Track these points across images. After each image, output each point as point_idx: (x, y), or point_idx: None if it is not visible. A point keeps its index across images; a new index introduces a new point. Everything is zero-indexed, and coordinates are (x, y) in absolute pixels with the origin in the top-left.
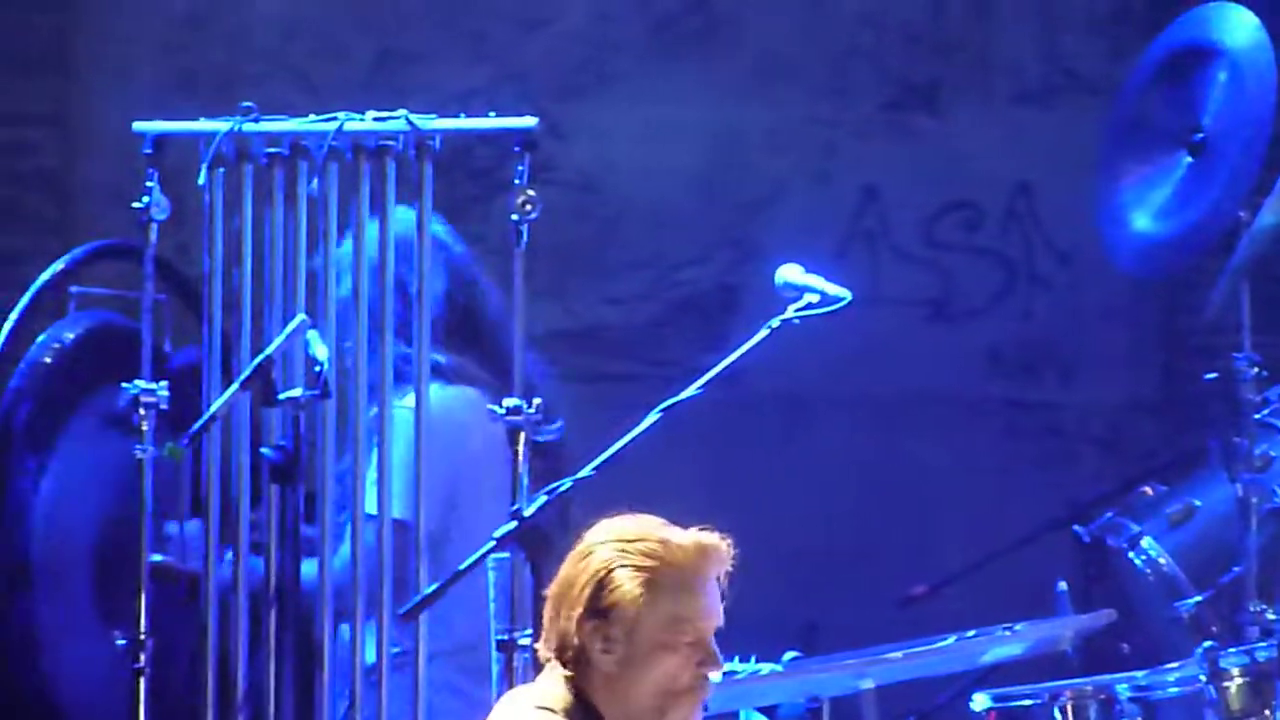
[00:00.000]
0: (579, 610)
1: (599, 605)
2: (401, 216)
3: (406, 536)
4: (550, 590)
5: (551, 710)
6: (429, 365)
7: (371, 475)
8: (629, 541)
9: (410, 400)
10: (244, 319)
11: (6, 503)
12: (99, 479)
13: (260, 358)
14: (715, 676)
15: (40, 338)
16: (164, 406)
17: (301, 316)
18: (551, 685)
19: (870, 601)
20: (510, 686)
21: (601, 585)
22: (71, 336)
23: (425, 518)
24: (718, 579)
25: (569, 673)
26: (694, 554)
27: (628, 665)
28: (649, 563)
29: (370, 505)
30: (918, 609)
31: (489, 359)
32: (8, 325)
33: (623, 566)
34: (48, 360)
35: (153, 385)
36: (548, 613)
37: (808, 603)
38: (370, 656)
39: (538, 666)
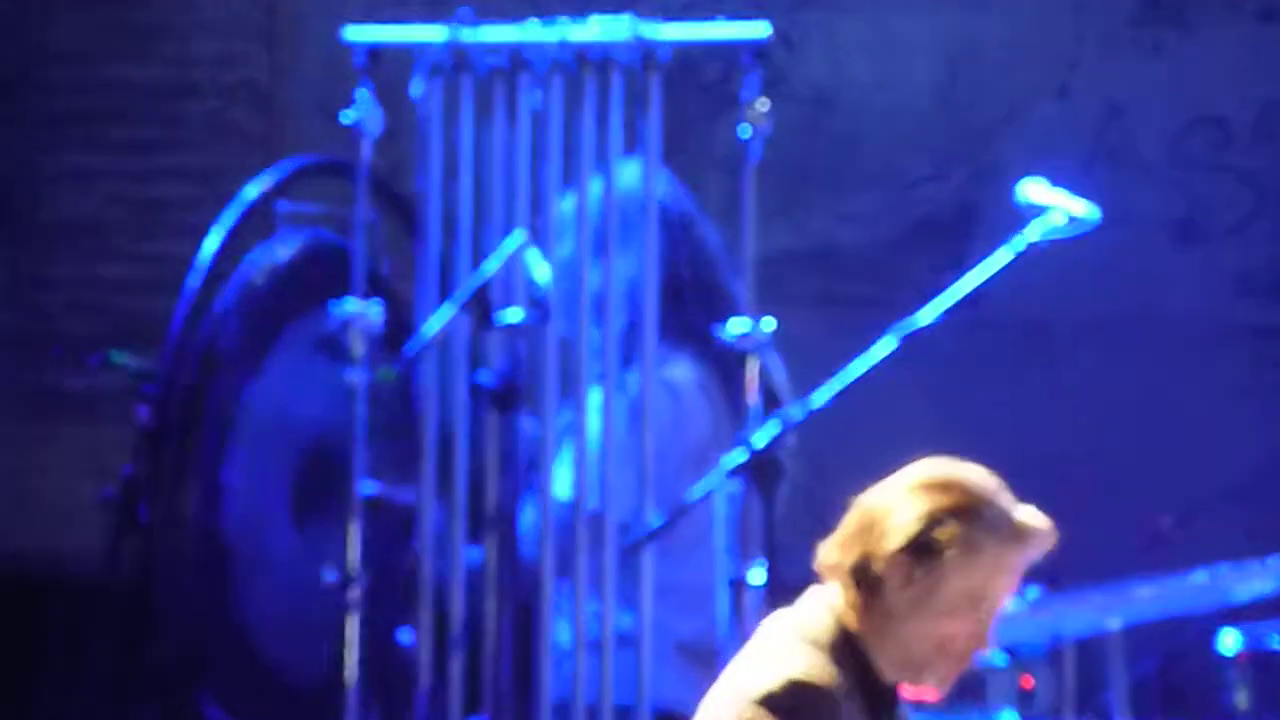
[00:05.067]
0: (896, 541)
1: (919, 544)
2: (627, 172)
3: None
4: (866, 503)
5: (819, 648)
6: (655, 336)
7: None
8: (977, 498)
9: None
10: (461, 238)
11: (209, 428)
12: (307, 404)
13: (478, 278)
14: (982, 654)
15: (249, 255)
16: (377, 329)
17: (521, 234)
18: (817, 615)
19: (1114, 534)
20: (740, 629)
21: (930, 527)
22: (286, 255)
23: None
24: None
25: (838, 603)
26: (1029, 539)
27: (915, 610)
28: (986, 530)
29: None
30: (1163, 542)
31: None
32: (213, 242)
33: (961, 520)
34: (258, 281)
35: (365, 307)
36: (854, 524)
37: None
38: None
39: (771, 606)
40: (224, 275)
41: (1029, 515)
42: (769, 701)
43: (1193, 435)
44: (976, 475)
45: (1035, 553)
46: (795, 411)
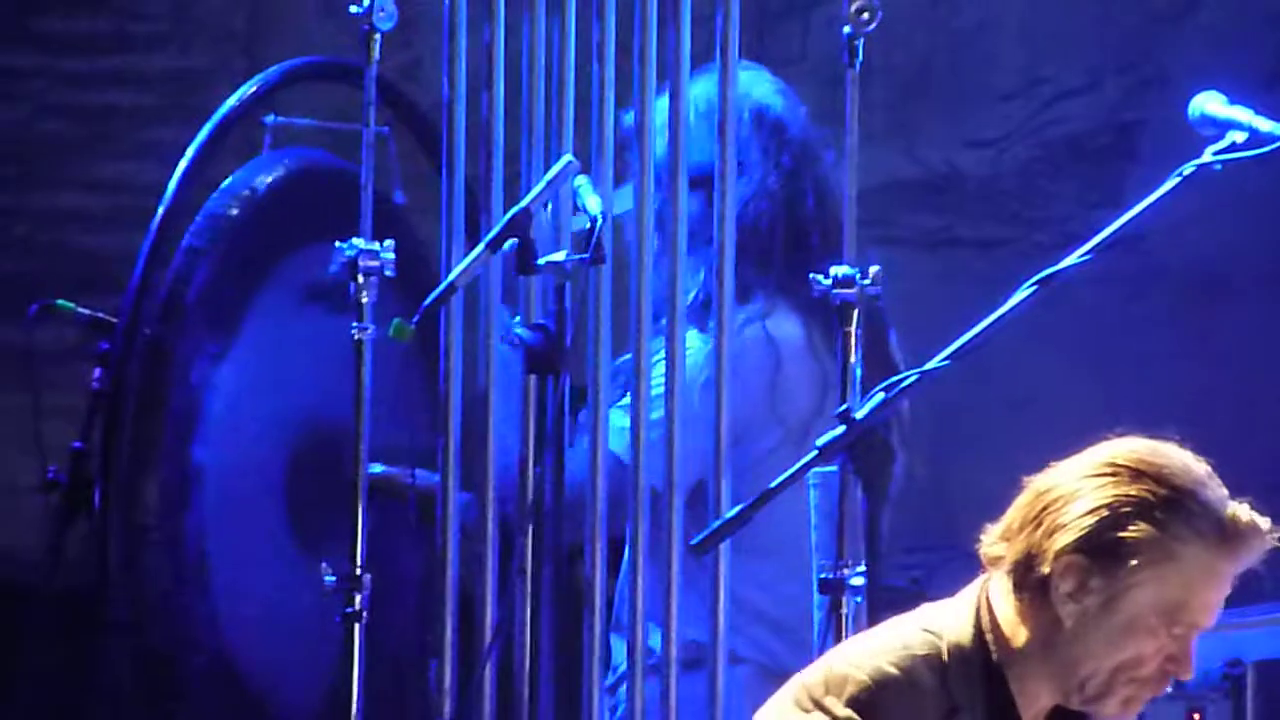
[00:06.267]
0: (1069, 538)
1: (1096, 543)
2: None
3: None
4: (1039, 486)
5: (936, 637)
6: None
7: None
8: (1177, 489)
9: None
10: (494, 160)
11: (174, 396)
12: (297, 366)
13: (515, 210)
14: (1183, 677)
15: (224, 183)
16: (389, 272)
17: (568, 158)
18: (958, 612)
19: None
20: (836, 638)
21: (1114, 523)
22: (266, 182)
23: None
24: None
25: (996, 602)
26: (1242, 543)
27: (1088, 627)
28: (1186, 531)
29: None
30: None
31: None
32: (182, 166)
33: (1150, 516)
34: (233, 212)
35: (375, 245)
36: (1022, 511)
37: None
38: (654, 642)
39: (871, 612)
40: (196, 206)
41: (1243, 513)
42: (834, 689)
43: None
44: (1179, 459)
45: (1250, 560)
46: (908, 378)
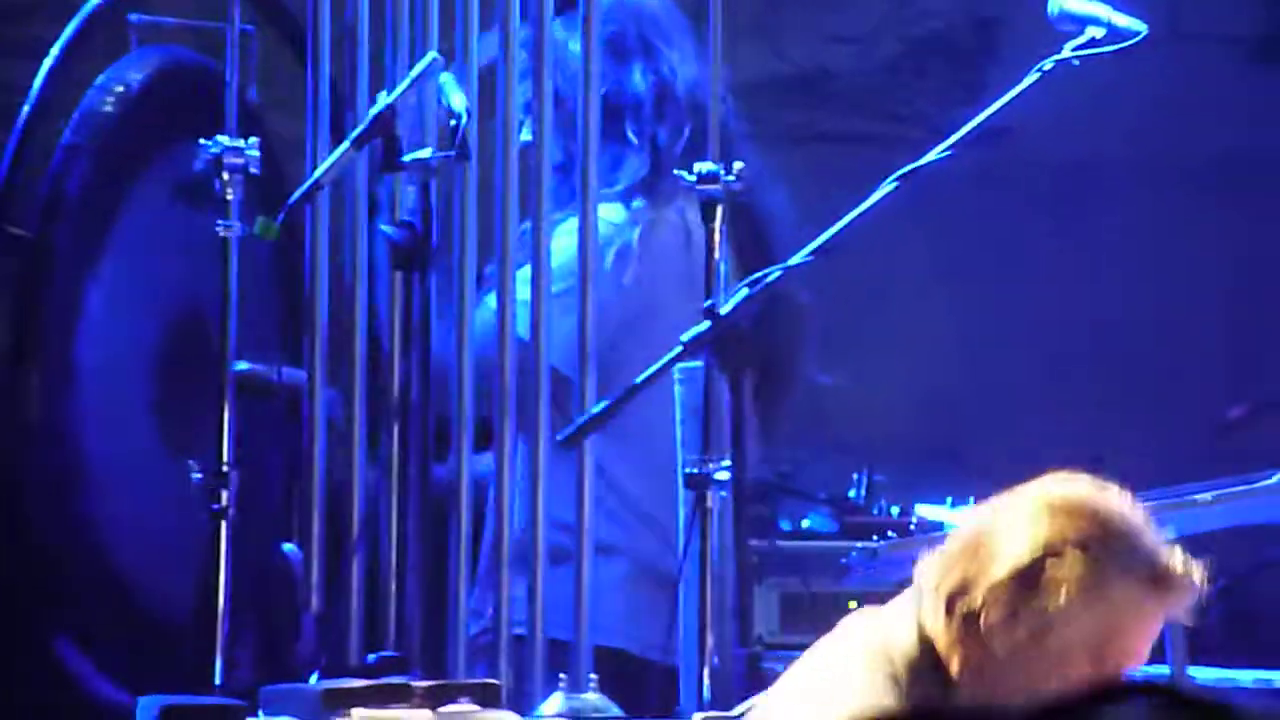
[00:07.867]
0: (1003, 571)
1: (1028, 575)
2: None
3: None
4: (976, 520)
5: (898, 679)
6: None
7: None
8: (1112, 530)
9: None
10: (359, 57)
11: (51, 293)
12: (169, 264)
13: (379, 107)
14: None
15: (98, 79)
16: (254, 170)
17: (433, 54)
18: (903, 630)
19: (1173, 426)
20: (702, 531)
21: (1047, 558)
22: (139, 79)
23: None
24: None
25: (931, 626)
26: (1171, 584)
27: (1019, 657)
28: (1116, 569)
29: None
30: (1235, 438)
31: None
32: (47, 64)
33: (1086, 554)
34: (108, 108)
35: (240, 142)
36: (959, 543)
37: (1093, 427)
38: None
39: (737, 508)
40: (63, 104)
41: (1176, 559)
42: None
43: (1273, 305)
44: (1118, 503)
45: (1178, 607)
46: (771, 273)
